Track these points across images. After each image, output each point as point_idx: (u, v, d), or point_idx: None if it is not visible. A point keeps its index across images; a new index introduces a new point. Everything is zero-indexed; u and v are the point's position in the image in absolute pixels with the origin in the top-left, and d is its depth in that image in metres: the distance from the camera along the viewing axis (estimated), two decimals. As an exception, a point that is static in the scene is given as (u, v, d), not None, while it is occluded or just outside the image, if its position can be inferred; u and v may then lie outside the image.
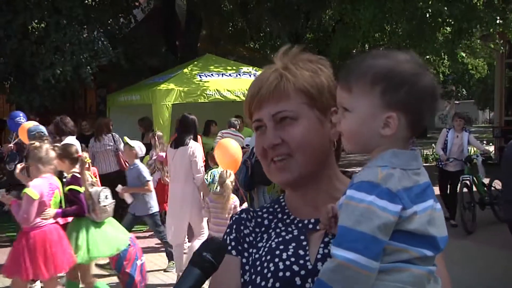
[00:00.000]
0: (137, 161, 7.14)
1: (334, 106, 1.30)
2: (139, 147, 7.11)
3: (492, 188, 9.72)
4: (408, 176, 1.12)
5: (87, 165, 8.65)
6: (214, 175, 8.13)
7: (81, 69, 10.68)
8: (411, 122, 1.15)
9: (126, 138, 7.32)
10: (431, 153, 20.23)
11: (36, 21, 11.12)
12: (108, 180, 9.27)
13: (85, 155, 8.80)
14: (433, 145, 22.11)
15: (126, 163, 9.33)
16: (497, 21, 12.91)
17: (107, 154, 9.30)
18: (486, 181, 9.77)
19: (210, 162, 8.39)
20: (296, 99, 1.30)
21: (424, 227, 1.11)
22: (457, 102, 46.68)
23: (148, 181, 6.91)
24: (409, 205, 1.09)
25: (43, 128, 6.50)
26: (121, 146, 9.33)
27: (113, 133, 9.43)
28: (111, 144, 9.29)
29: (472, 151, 12.15)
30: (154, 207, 7.08)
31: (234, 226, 1.39)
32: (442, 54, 15.29)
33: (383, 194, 1.08)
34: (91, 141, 9.48)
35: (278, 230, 1.35)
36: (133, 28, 14.30)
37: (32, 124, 7.54)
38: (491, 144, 20.05)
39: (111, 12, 12.72)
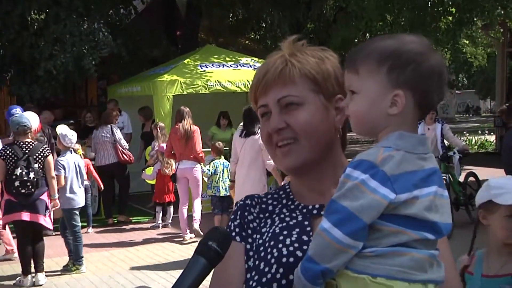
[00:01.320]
0: (65, 153, 6.93)
1: (339, 93, 1.31)
2: (68, 138, 6.85)
3: (468, 186, 8.72)
4: (412, 160, 1.11)
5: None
6: (216, 166, 8.21)
7: (83, 60, 10.66)
8: (418, 101, 1.14)
9: (58, 127, 7.09)
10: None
11: (35, 12, 11.09)
12: (107, 171, 9.33)
13: (77, 146, 8.90)
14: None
15: (123, 155, 9.34)
16: (498, 11, 12.86)
17: (106, 145, 9.33)
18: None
19: (212, 153, 8.43)
20: (302, 85, 1.30)
21: (422, 212, 1.10)
22: (458, 91, 46.57)
23: (56, 175, 6.53)
24: (403, 191, 1.08)
25: (26, 121, 6.43)
26: (118, 137, 9.36)
27: (112, 125, 9.44)
28: (109, 135, 9.31)
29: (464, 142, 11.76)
30: (68, 202, 6.83)
31: (239, 212, 1.39)
32: (444, 43, 15.24)
33: (377, 175, 1.08)
34: (93, 132, 9.51)
35: (282, 216, 1.35)
36: (133, 19, 14.25)
37: (16, 113, 7.54)
38: (492, 133, 20.05)
39: (111, 4, 12.67)
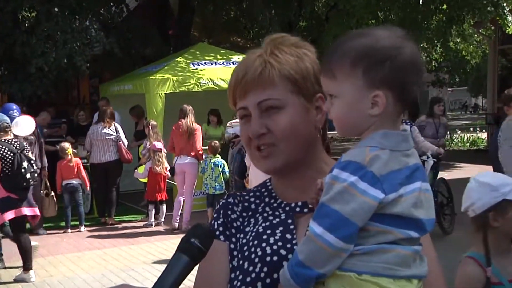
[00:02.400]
0: None
1: (319, 92, 1.30)
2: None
3: (439, 194, 8.06)
4: (396, 158, 1.11)
5: (69, 157, 8.77)
6: (205, 164, 8.41)
7: (75, 57, 10.61)
8: (399, 96, 1.13)
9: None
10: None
11: (26, 9, 11.02)
12: (103, 169, 9.30)
13: (67, 145, 8.91)
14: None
15: (127, 153, 9.35)
16: (489, 9, 12.92)
17: (107, 143, 9.28)
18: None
19: (208, 151, 8.60)
20: (282, 87, 1.28)
21: (409, 210, 1.10)
22: (450, 89, 46.75)
23: None
24: (391, 190, 1.08)
25: (7, 119, 6.53)
26: (122, 136, 9.35)
27: (115, 123, 9.42)
28: (113, 134, 9.27)
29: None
30: None
31: (221, 211, 1.38)
32: (435, 41, 15.31)
33: (366, 177, 1.07)
34: (90, 129, 9.45)
35: (265, 215, 1.35)
36: (125, 17, 14.19)
37: None
38: (483, 131, 20.17)
39: (103, 1, 12.61)
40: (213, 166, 8.36)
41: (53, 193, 8.55)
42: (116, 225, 9.32)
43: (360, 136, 1.17)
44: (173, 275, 1.05)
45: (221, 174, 8.38)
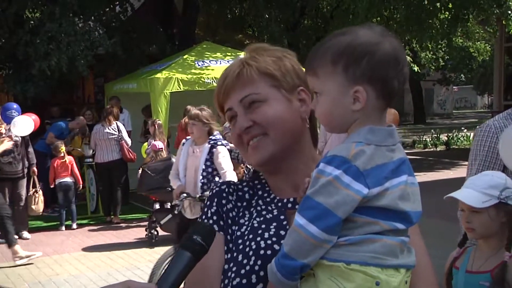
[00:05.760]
0: None
1: (300, 86, 1.35)
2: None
3: None
4: (382, 153, 1.14)
5: (62, 154, 8.85)
6: None
7: (77, 61, 10.63)
8: (380, 91, 1.15)
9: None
10: (429, 138, 20.28)
11: (30, 9, 11.05)
12: (107, 168, 9.32)
13: (60, 144, 8.94)
14: (432, 131, 22.19)
15: (129, 153, 9.37)
16: (493, 9, 12.89)
17: (110, 142, 9.31)
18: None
19: None
20: (261, 83, 1.33)
21: (395, 202, 1.13)
22: (455, 88, 46.63)
23: None
24: (376, 184, 1.11)
25: None
26: (124, 135, 9.37)
27: (118, 122, 9.45)
28: (115, 133, 9.30)
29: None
30: None
31: (215, 199, 1.39)
32: (439, 39, 15.28)
33: (350, 171, 1.10)
34: (94, 128, 9.48)
35: (259, 208, 1.37)
36: (130, 16, 14.22)
37: None
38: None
39: (107, 1, 12.63)
40: None
41: (41, 192, 8.53)
42: (121, 224, 9.34)
43: (346, 132, 1.20)
44: (176, 271, 1.08)
45: None
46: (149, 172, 7.38)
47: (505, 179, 2.27)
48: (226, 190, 1.41)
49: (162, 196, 7.46)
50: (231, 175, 5.13)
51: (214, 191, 1.42)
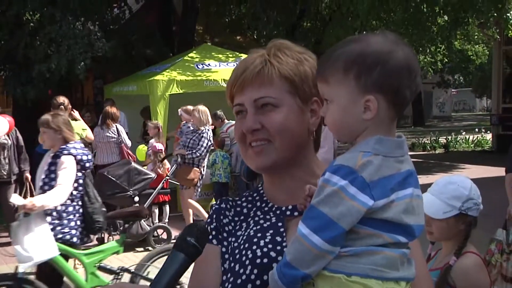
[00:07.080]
0: None
1: (316, 96, 1.32)
2: None
3: None
4: (389, 164, 1.12)
5: None
6: (216, 156, 9.26)
7: (76, 64, 10.64)
8: (392, 101, 1.14)
9: None
10: (428, 141, 20.28)
11: (30, 12, 11.06)
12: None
13: None
14: (431, 133, 22.20)
15: (129, 155, 9.37)
16: (492, 12, 12.93)
17: (110, 145, 9.31)
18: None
19: (216, 146, 9.22)
20: (279, 86, 1.31)
21: (399, 215, 1.12)
22: (454, 91, 46.67)
23: None
24: (382, 196, 1.10)
25: None
26: (124, 137, 9.37)
27: (117, 125, 9.45)
28: (115, 136, 9.30)
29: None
30: None
31: (214, 216, 1.41)
32: (438, 42, 15.31)
33: (356, 182, 1.08)
34: (94, 131, 9.46)
35: (256, 218, 1.37)
36: (128, 18, 14.23)
37: None
38: (488, 132, 20.11)
39: (106, 4, 12.64)
40: (222, 159, 9.24)
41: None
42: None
43: (355, 141, 1.18)
44: (170, 272, 1.09)
45: (228, 166, 9.35)
46: (109, 176, 7.04)
47: (470, 189, 2.38)
48: (224, 206, 1.42)
49: (122, 202, 7.31)
50: (61, 191, 4.45)
51: (213, 208, 1.43)
